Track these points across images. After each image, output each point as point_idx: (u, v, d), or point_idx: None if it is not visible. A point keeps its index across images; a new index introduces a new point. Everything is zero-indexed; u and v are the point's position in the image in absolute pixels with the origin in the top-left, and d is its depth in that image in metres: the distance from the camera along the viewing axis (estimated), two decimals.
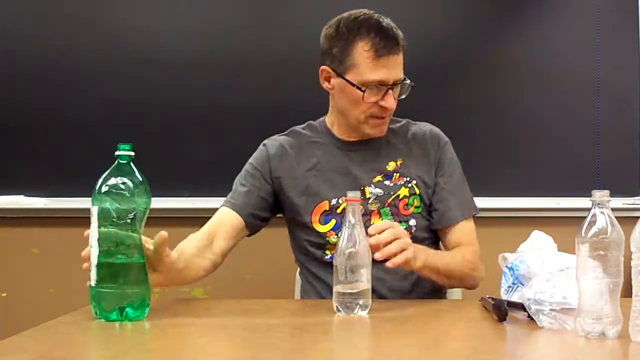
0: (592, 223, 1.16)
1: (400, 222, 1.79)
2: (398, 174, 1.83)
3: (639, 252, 1.14)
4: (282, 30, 2.89)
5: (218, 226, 1.83)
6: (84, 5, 2.86)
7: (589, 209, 1.18)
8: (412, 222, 1.82)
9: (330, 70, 1.78)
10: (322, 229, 1.82)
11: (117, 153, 1.34)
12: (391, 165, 1.84)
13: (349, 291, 1.40)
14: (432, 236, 1.87)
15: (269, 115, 2.88)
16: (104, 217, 1.31)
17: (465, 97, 2.81)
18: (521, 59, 2.87)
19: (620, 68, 2.97)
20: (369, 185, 1.82)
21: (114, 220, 1.31)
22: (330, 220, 1.81)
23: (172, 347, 1.14)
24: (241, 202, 1.86)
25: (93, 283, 1.32)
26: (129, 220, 1.31)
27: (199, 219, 2.93)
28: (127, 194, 1.32)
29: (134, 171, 1.35)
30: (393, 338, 1.26)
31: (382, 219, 1.79)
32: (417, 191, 1.83)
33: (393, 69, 1.73)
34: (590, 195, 1.18)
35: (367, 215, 1.79)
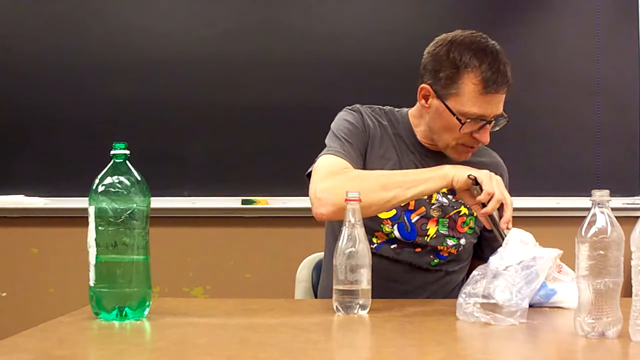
0: (592, 223, 1.16)
1: (453, 237, 1.79)
2: None
3: (639, 252, 1.14)
4: (283, 31, 2.89)
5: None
6: (85, 5, 2.87)
7: (589, 209, 1.18)
8: (463, 241, 1.81)
9: (432, 91, 1.72)
10: (382, 214, 1.75)
11: (112, 152, 1.34)
12: None
13: (349, 291, 1.40)
14: (470, 259, 1.87)
15: (269, 115, 2.88)
16: (101, 216, 1.31)
17: None
18: (521, 59, 2.87)
19: (620, 68, 2.97)
20: (438, 192, 1.77)
21: (111, 219, 1.31)
22: (391, 209, 1.74)
23: (172, 347, 1.14)
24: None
25: (92, 283, 1.32)
26: (126, 219, 1.31)
27: (198, 218, 2.96)
28: (124, 193, 1.32)
29: (130, 170, 1.34)
30: (393, 338, 1.26)
31: (437, 228, 1.77)
32: (475, 213, 1.81)
33: (495, 104, 1.69)
34: (590, 195, 1.18)
35: (425, 219, 1.77)
